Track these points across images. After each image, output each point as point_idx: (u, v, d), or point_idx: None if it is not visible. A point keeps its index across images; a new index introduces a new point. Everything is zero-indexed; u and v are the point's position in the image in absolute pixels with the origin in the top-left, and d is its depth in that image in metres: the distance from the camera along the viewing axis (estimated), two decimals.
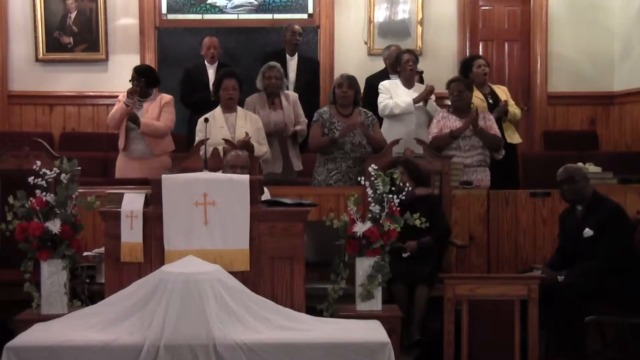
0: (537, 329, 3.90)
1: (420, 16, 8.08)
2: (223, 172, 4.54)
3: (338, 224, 3.98)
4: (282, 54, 7.01)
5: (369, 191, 4.01)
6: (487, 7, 8.30)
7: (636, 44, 7.76)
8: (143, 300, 3.55)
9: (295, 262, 3.87)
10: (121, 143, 6.19)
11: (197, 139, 5.55)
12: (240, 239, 3.80)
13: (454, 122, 5.89)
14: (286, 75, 6.46)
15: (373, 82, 6.81)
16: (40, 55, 8.00)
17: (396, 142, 5.50)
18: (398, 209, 4.00)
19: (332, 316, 3.93)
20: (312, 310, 3.93)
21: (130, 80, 6.19)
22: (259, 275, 3.84)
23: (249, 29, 8.25)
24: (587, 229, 4.61)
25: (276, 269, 3.86)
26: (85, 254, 4.41)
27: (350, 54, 8.07)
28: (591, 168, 5.53)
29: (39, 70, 8.04)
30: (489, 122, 5.95)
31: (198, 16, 8.27)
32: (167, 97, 6.27)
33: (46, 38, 7.97)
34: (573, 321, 4.36)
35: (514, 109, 6.60)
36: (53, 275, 3.87)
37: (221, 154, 5.14)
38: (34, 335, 3.54)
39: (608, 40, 8.14)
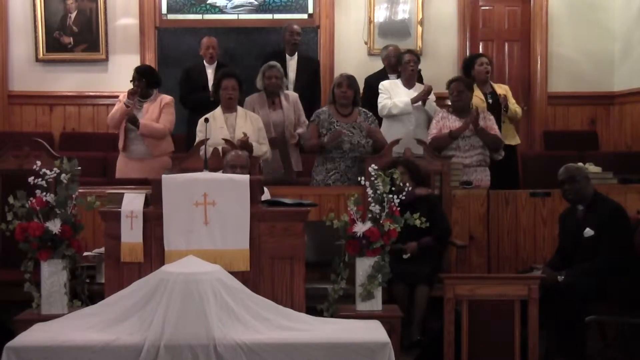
0: (537, 329, 3.89)
1: (420, 16, 8.08)
2: (223, 172, 4.54)
3: (338, 224, 3.98)
4: (282, 54, 7.00)
5: (369, 191, 4.01)
6: (487, 7, 8.30)
7: (636, 44, 7.76)
8: (143, 300, 3.55)
9: (295, 262, 3.87)
10: (121, 143, 6.19)
11: (198, 139, 5.55)
12: (241, 239, 3.81)
13: (453, 122, 5.89)
14: (286, 75, 6.46)
15: (372, 82, 6.82)
16: (41, 55, 8.00)
17: (396, 142, 5.50)
18: (398, 209, 4.01)
19: (332, 316, 3.93)
20: (312, 310, 3.94)
21: (131, 81, 6.19)
22: (259, 275, 3.84)
23: (249, 29, 8.24)
24: (587, 229, 4.60)
25: (276, 269, 3.86)
26: (85, 254, 4.41)
27: (351, 54, 8.07)
28: (591, 168, 5.52)
29: (39, 70, 8.04)
30: (489, 122, 5.94)
31: (198, 16, 8.27)
32: (167, 98, 6.27)
33: (46, 38, 7.97)
34: (573, 321, 4.36)
35: (514, 106, 6.60)
36: (53, 275, 3.87)
37: (221, 154, 5.13)
38: (34, 335, 3.53)
39: (608, 40, 8.14)
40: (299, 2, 8.27)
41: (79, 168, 4.12)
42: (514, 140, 6.70)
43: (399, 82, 6.47)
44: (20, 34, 7.99)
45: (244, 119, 5.74)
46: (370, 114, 5.90)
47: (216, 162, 4.91)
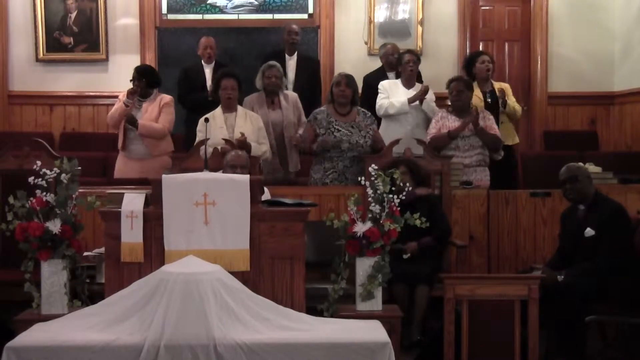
0: (537, 329, 3.89)
1: (420, 16, 8.08)
2: (223, 172, 4.54)
3: (338, 224, 3.97)
4: (281, 53, 7.00)
5: (369, 191, 4.01)
6: (487, 7, 8.30)
7: (636, 44, 7.76)
8: (143, 300, 3.55)
9: (295, 262, 3.87)
10: (120, 143, 6.19)
11: (198, 138, 5.54)
12: (241, 239, 3.80)
13: (453, 122, 5.88)
14: (285, 75, 6.46)
15: (370, 80, 6.82)
16: (41, 55, 8.00)
17: (396, 142, 5.50)
18: (398, 209, 4.00)
19: (332, 316, 3.93)
20: (313, 310, 3.94)
21: (131, 80, 6.19)
22: (259, 275, 3.84)
23: (249, 29, 8.24)
24: (588, 229, 4.60)
25: (276, 269, 3.86)
26: (85, 254, 4.41)
27: (351, 54, 8.07)
28: (591, 168, 5.51)
29: (39, 70, 8.04)
30: (488, 122, 5.94)
31: (198, 16, 8.27)
32: (167, 98, 6.27)
33: (46, 38, 7.97)
34: (573, 321, 4.36)
35: (514, 103, 6.59)
36: (53, 275, 3.87)
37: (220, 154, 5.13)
38: (34, 335, 3.53)
39: (608, 40, 8.13)
40: (299, 2, 8.27)
41: (79, 168, 4.12)
42: (513, 140, 6.69)
43: (398, 82, 6.47)
44: (20, 34, 7.99)
45: (243, 119, 5.74)
46: (369, 113, 5.89)
47: (216, 162, 4.91)
